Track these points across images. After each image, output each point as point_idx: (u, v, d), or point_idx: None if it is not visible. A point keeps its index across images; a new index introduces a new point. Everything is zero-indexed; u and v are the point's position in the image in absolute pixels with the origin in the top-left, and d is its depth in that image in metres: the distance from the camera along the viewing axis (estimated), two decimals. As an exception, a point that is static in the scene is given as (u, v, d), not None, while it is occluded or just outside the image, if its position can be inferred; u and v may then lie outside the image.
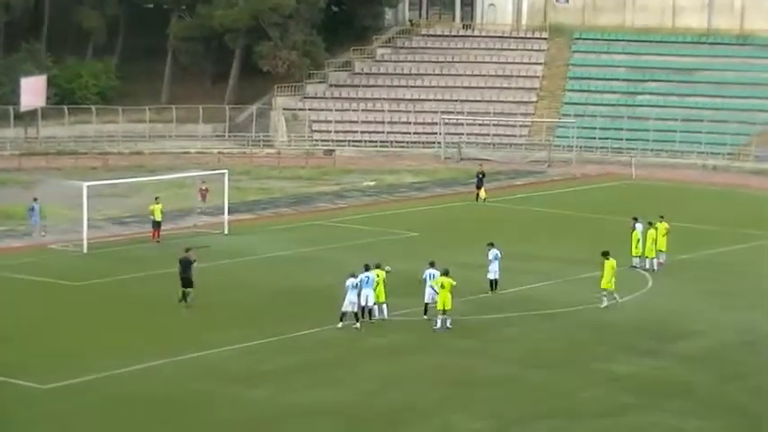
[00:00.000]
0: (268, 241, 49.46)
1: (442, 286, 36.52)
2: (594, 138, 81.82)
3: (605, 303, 39.58)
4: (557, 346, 35.54)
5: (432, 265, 38.13)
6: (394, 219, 56.38)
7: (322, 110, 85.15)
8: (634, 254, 45.94)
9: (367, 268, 37.36)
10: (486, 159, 77.80)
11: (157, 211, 50.58)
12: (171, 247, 48.62)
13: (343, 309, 36.37)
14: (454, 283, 36.61)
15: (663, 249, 46.23)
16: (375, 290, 37.04)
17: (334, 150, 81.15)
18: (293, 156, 79.04)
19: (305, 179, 70.20)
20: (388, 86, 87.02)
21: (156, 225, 50.40)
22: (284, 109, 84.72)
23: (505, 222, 56.88)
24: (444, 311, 36.63)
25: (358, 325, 36.39)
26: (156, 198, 51.58)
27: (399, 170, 74.31)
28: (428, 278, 37.49)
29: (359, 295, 36.53)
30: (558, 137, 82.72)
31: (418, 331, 36.48)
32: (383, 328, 36.85)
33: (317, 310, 38.64)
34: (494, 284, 41.62)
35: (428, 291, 37.35)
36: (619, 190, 69.26)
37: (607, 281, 39.67)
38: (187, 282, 38.64)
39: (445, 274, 36.85)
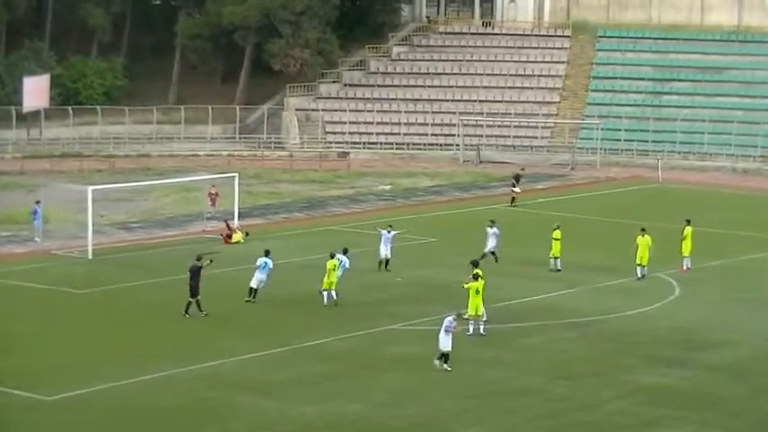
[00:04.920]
0: (279, 247, 49.33)
1: (477, 292, 36.68)
2: (620, 139, 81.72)
3: (478, 329, 37.45)
4: (581, 356, 35.49)
5: (344, 251, 41.64)
6: (411, 224, 56.31)
7: (336, 110, 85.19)
8: (637, 262, 45.70)
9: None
10: (507, 162, 77.80)
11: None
12: (178, 253, 49.02)
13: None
14: (483, 281, 36.88)
15: (643, 263, 45.82)
16: (328, 275, 40.04)
17: (348, 153, 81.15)
18: (306, 158, 79.10)
19: (318, 183, 70.27)
20: (404, 86, 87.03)
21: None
22: (296, 110, 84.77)
23: (527, 227, 56.81)
24: (477, 316, 36.85)
25: None
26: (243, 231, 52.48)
27: (416, 173, 74.38)
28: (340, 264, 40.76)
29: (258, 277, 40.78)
30: (581, 138, 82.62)
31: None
32: (400, 338, 36.98)
33: (330, 319, 38.78)
34: (385, 263, 45.73)
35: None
36: (645, 194, 69.17)
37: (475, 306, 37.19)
38: (193, 290, 38.70)
39: (476, 278, 37.06)
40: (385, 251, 46.12)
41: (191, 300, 38.68)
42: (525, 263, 47.07)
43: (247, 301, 40.70)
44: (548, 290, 43.36)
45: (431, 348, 35.53)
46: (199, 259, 39.61)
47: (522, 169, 67.40)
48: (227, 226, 52.56)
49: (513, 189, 63.35)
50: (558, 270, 46.26)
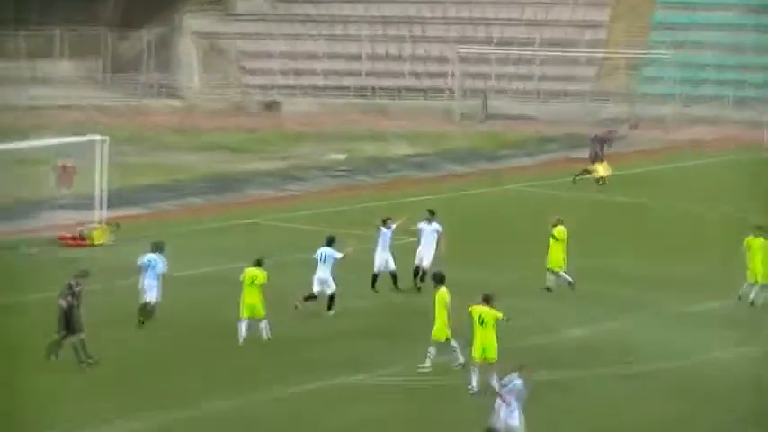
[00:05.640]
0: (172, 252, 48.95)
1: (481, 322, 36.33)
2: (704, 81, 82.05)
3: (436, 360, 38.14)
4: (643, 421, 35.51)
5: (328, 241, 43.54)
6: (378, 215, 55.86)
7: (260, 37, 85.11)
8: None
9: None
10: (529, 117, 78.08)
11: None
12: (11, 260, 48.94)
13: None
14: (501, 316, 36.30)
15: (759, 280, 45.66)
16: (246, 295, 40.26)
17: (279, 103, 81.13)
18: (212, 111, 79.37)
19: (231, 150, 70.68)
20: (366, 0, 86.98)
21: None
22: (198, 35, 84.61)
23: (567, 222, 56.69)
24: (486, 362, 36.40)
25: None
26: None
27: (387, 136, 74.82)
28: (320, 259, 43.29)
29: None
30: (645, 80, 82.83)
31: (422, 397, 36.37)
32: (363, 397, 36.73)
33: (257, 367, 38.58)
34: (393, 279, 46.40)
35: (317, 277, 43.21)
36: (744, 166, 69.69)
37: (440, 328, 38.13)
38: (70, 325, 38.38)
39: (486, 301, 36.55)
40: (384, 260, 46.24)
41: (68, 336, 38.37)
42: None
43: (141, 322, 41.54)
44: (595, 317, 43.47)
45: (408, 412, 35.53)
46: (83, 275, 39.40)
47: (612, 132, 68.71)
48: (72, 238, 52.78)
49: (596, 164, 64.34)
50: (566, 283, 46.33)
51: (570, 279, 46.32)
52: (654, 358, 39.99)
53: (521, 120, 78.31)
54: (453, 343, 38.00)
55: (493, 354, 36.41)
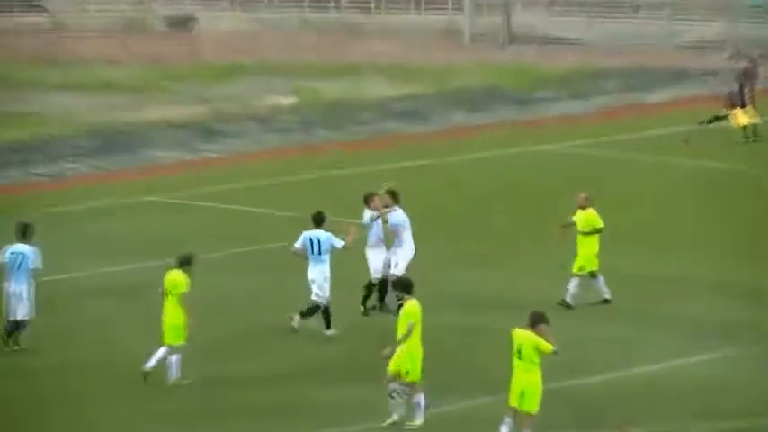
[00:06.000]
0: (36, 243, 49.85)
1: (519, 355, 36.29)
2: None
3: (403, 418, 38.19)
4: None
5: (317, 221, 43.68)
6: (347, 189, 57.04)
7: None
8: None
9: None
10: (573, 41, 78.87)
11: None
12: None
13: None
14: (548, 347, 36.00)
15: None
16: (171, 313, 40.23)
17: (194, 19, 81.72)
18: (94, 31, 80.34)
19: (124, 90, 71.96)
20: None
21: None
22: None
23: (621, 197, 57.48)
24: (524, 413, 36.46)
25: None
26: None
27: (359, 68, 76.55)
28: (312, 249, 43.69)
29: None
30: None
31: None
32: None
33: (173, 420, 38.85)
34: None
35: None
36: None
37: (414, 363, 38.17)
38: None
39: (532, 324, 36.23)
40: (387, 260, 46.61)
41: None
42: (632, 280, 48.54)
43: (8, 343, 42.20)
44: (669, 350, 43.90)
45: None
46: None
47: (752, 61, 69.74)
48: None
49: (735, 108, 65.36)
50: (607, 300, 47.18)
51: (570, 301, 46.63)
52: (759, 409, 40.22)
53: (562, 44, 79.00)
54: (395, 385, 38.02)
55: (533, 403, 36.65)
